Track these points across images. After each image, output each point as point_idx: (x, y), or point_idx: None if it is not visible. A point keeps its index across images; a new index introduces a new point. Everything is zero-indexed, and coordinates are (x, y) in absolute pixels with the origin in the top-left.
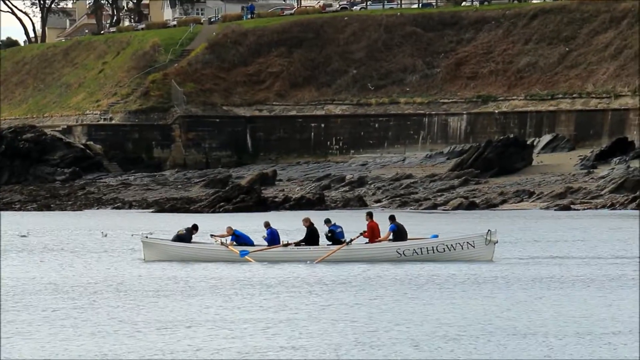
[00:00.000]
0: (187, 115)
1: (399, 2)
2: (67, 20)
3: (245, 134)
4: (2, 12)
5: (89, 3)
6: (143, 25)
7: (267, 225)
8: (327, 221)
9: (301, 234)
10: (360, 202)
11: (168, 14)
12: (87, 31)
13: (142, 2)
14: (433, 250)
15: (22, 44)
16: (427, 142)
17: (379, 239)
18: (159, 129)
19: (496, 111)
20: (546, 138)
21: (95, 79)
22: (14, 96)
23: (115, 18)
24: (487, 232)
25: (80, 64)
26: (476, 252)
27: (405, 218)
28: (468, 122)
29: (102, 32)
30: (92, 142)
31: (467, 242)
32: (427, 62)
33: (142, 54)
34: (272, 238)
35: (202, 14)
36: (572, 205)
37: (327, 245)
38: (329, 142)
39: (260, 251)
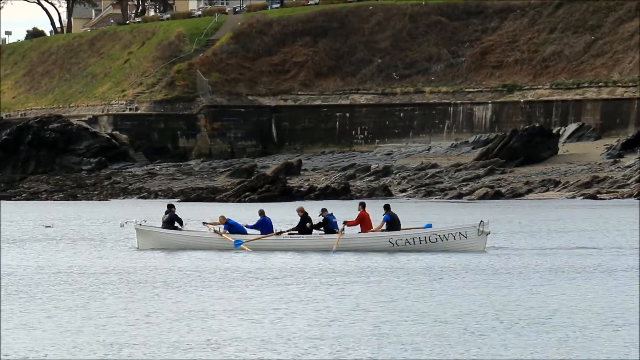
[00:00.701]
0: (212, 105)
1: None
2: (93, 11)
3: (271, 124)
4: (28, 3)
5: None
6: (168, 15)
7: (261, 213)
8: (324, 210)
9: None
10: (385, 192)
11: (193, 4)
12: (112, 21)
13: None
14: (425, 240)
15: (48, 34)
16: (452, 131)
17: (372, 229)
18: (185, 119)
19: (522, 100)
20: (572, 127)
21: (121, 69)
22: (40, 86)
23: (140, 8)
24: (480, 223)
25: (106, 54)
26: (468, 243)
27: (429, 207)
28: (493, 112)
29: (127, 22)
30: (117, 132)
31: (460, 233)
32: (452, 52)
33: (167, 44)
34: (264, 227)
35: (226, 4)
36: (598, 195)
37: (320, 234)
38: (354, 132)
39: (255, 240)
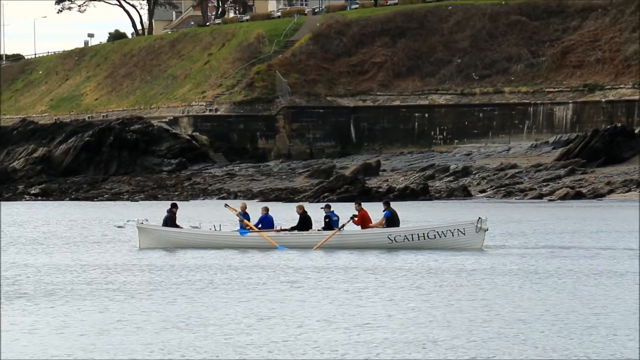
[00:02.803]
0: (291, 106)
1: None
2: (174, 13)
3: (349, 124)
4: (110, 5)
5: None
6: (248, 17)
7: (265, 210)
8: (327, 207)
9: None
10: (464, 192)
11: (272, 5)
12: (192, 23)
13: None
14: (424, 236)
15: (129, 36)
16: (532, 131)
17: (371, 225)
18: (264, 120)
19: (603, 100)
20: None
21: (201, 71)
22: (121, 88)
23: (220, 10)
24: (478, 220)
25: (186, 56)
26: (467, 240)
27: (508, 208)
28: (574, 111)
29: (207, 23)
30: (197, 133)
31: (458, 229)
32: (532, 51)
33: (246, 45)
34: (265, 224)
35: (306, 5)
36: None
37: (318, 230)
38: (432, 132)
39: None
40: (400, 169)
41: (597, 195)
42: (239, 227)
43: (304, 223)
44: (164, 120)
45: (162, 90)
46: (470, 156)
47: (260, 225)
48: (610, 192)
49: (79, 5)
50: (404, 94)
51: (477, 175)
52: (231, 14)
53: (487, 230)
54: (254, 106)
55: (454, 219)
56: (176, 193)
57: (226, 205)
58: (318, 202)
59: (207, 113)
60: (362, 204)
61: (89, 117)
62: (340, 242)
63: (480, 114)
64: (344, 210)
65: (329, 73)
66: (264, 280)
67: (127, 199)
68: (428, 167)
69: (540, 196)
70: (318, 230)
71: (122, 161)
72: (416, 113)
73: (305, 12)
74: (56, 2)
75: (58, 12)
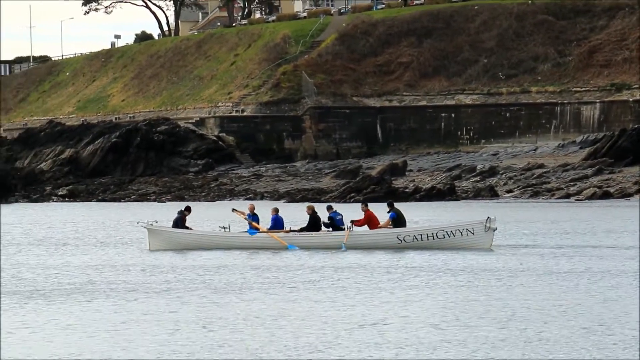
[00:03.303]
0: (317, 106)
1: None
2: (200, 13)
3: (376, 125)
4: (137, 7)
5: None
6: (274, 17)
7: (274, 211)
8: (329, 208)
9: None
10: (491, 192)
11: (298, 6)
12: (219, 24)
13: None
14: (433, 236)
15: (156, 37)
16: (559, 131)
17: (379, 225)
18: (290, 120)
19: (630, 99)
20: None
21: (227, 71)
22: (148, 89)
23: (246, 10)
24: (487, 219)
25: (213, 57)
26: (475, 239)
27: (533, 208)
28: (601, 111)
29: (233, 24)
30: (224, 134)
31: (467, 229)
32: (559, 51)
33: (272, 46)
34: (275, 225)
35: (332, 5)
36: None
37: (327, 231)
38: (459, 132)
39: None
40: (427, 169)
41: (624, 194)
42: (248, 228)
43: (314, 224)
44: (190, 121)
45: (188, 91)
46: (497, 156)
47: (270, 226)
48: (638, 191)
49: (106, 7)
50: (431, 94)
51: (504, 175)
52: (257, 15)
53: (496, 229)
54: (280, 107)
55: (458, 219)
56: (203, 194)
57: (234, 209)
58: (345, 202)
59: (234, 114)
60: (370, 204)
61: (116, 118)
62: (350, 243)
63: (507, 114)
64: (348, 212)
65: (355, 73)
66: (283, 280)
67: (154, 200)
68: (455, 167)
69: (567, 196)
70: (327, 230)
71: (149, 162)
72: (443, 113)
73: (331, 12)
74: (83, 3)
75: (85, 14)
